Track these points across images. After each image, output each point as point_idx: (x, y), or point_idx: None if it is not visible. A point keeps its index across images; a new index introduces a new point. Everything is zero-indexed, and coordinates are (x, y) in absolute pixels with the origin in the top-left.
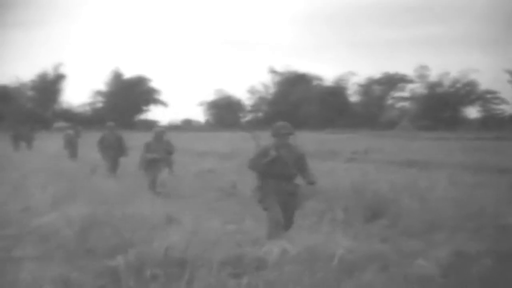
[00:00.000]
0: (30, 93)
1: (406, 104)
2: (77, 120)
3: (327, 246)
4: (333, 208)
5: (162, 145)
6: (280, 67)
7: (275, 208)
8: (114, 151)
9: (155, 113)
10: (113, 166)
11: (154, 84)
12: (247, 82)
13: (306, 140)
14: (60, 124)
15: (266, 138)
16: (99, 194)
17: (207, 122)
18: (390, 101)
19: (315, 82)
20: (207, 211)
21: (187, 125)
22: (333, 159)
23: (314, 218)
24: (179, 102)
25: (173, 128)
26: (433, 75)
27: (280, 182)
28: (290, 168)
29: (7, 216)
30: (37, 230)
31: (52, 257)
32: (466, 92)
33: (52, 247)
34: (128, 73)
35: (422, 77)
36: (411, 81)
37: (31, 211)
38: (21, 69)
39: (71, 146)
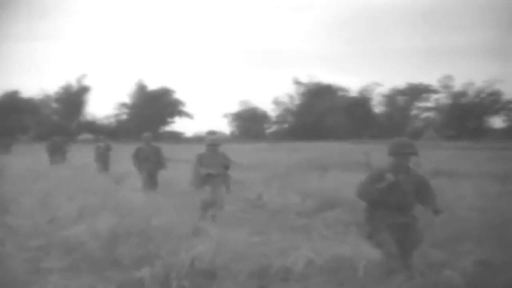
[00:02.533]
0: (54, 105)
1: (430, 114)
2: (102, 132)
3: (353, 256)
4: (358, 218)
5: (218, 157)
6: (305, 78)
7: (390, 242)
8: (151, 164)
9: (180, 125)
10: (150, 181)
11: (178, 95)
12: (272, 93)
13: (331, 151)
14: (85, 136)
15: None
16: (125, 205)
17: (232, 133)
18: (414, 111)
19: (339, 93)
20: (234, 222)
21: (209, 135)
22: (357, 170)
23: (339, 229)
24: (204, 114)
25: (199, 139)
26: (458, 85)
27: (396, 214)
28: (410, 196)
29: (35, 227)
30: (64, 242)
31: (78, 268)
32: (491, 102)
33: (78, 258)
34: (153, 85)
35: (446, 87)
36: (435, 91)
37: (58, 223)
38: (45, 81)
39: (102, 160)
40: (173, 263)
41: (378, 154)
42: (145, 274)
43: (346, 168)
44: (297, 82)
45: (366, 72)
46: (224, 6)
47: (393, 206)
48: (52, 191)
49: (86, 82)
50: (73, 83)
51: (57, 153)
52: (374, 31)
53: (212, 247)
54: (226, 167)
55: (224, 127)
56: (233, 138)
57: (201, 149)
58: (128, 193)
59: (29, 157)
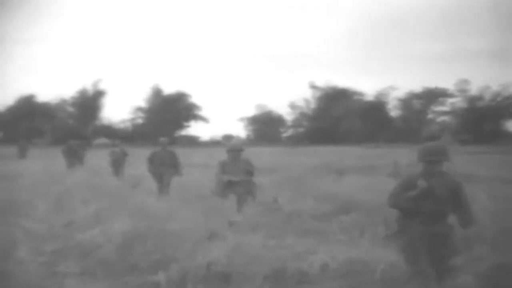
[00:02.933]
0: (70, 109)
1: (446, 118)
2: (118, 137)
3: (369, 260)
4: (374, 222)
5: (240, 164)
6: (321, 82)
7: (421, 260)
8: (166, 169)
9: (195, 129)
10: (165, 185)
11: (194, 99)
12: (287, 97)
13: (346, 155)
14: (101, 140)
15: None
16: (141, 209)
17: (248, 137)
18: (430, 115)
19: (355, 97)
20: (249, 226)
21: (228, 141)
22: (374, 174)
23: (355, 233)
24: (220, 118)
25: (214, 143)
26: (474, 89)
27: (429, 223)
28: (444, 204)
29: (50, 231)
30: (80, 246)
31: (94, 272)
32: (507, 106)
33: (94, 262)
34: (168, 89)
35: (462, 91)
36: (451, 95)
37: (74, 226)
38: (61, 86)
39: (117, 164)
40: (189, 267)
41: (392, 157)
42: (161, 278)
43: (361, 172)
44: (313, 86)
45: (382, 76)
46: (241, 10)
47: (426, 214)
48: (67, 195)
49: (102, 86)
50: (89, 87)
51: (73, 157)
52: (390, 36)
53: (227, 251)
54: (250, 174)
55: (240, 131)
56: (249, 142)
57: (216, 152)
58: (143, 197)
59: (45, 161)
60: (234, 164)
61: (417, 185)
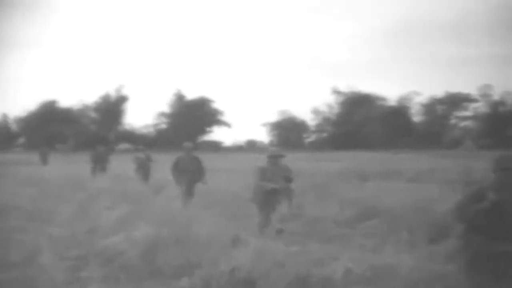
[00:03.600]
0: (93, 114)
1: (469, 123)
2: (141, 142)
3: (392, 266)
4: (397, 228)
5: (280, 170)
6: (344, 87)
7: (486, 281)
8: (190, 174)
9: (218, 134)
10: (188, 191)
11: (217, 105)
12: (311, 102)
13: (370, 160)
14: (124, 146)
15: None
16: (164, 215)
17: (271, 142)
18: (453, 121)
19: (378, 102)
20: (273, 231)
21: (251, 146)
22: (396, 179)
23: (378, 238)
24: (243, 123)
25: (237, 149)
26: (496, 94)
27: (499, 241)
28: None
29: (74, 237)
30: (103, 251)
31: (118, 278)
32: None
33: (118, 268)
34: (191, 94)
35: (485, 96)
36: (474, 100)
37: (97, 232)
38: (83, 91)
39: (143, 170)
40: (212, 272)
41: (415, 162)
42: (184, 283)
43: (385, 177)
44: (336, 92)
45: (405, 81)
46: (264, 16)
47: (495, 231)
48: (91, 201)
49: (124, 92)
50: (112, 92)
51: (100, 162)
52: (413, 41)
53: (251, 257)
54: (289, 180)
55: (263, 136)
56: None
57: (239, 158)
58: (167, 202)
59: (68, 167)
60: (274, 170)
61: (487, 197)
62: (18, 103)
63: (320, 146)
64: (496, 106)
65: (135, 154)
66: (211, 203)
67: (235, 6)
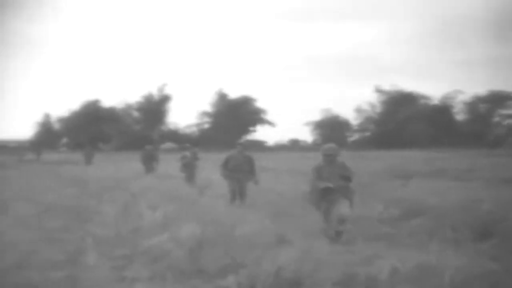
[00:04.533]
0: (136, 114)
1: None
2: (185, 141)
3: (438, 264)
4: (442, 227)
5: (336, 169)
6: (387, 86)
7: None
8: (242, 174)
9: (261, 133)
10: (240, 191)
11: (260, 104)
12: (353, 101)
13: (413, 159)
14: (168, 145)
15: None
16: (209, 214)
17: (314, 142)
18: (496, 119)
19: (421, 101)
20: (317, 231)
21: (294, 145)
22: (440, 178)
23: (423, 237)
24: (286, 122)
25: (280, 148)
26: None
27: None
28: None
29: (119, 236)
30: (149, 251)
31: (164, 277)
32: None
33: (163, 267)
34: (234, 93)
35: None
36: None
37: (142, 232)
38: (127, 90)
39: (189, 169)
40: (258, 272)
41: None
42: (230, 283)
43: (429, 176)
44: (379, 90)
45: (448, 80)
46: (306, 15)
47: None
48: (135, 200)
49: (167, 91)
50: (154, 92)
51: (151, 162)
52: (456, 39)
53: (296, 256)
54: (348, 179)
55: (306, 135)
56: (314, 146)
57: (283, 157)
58: (212, 201)
59: (112, 167)
60: (330, 169)
61: None
62: (60, 103)
63: (363, 145)
64: None
65: (182, 153)
66: (256, 203)
67: (279, 7)
